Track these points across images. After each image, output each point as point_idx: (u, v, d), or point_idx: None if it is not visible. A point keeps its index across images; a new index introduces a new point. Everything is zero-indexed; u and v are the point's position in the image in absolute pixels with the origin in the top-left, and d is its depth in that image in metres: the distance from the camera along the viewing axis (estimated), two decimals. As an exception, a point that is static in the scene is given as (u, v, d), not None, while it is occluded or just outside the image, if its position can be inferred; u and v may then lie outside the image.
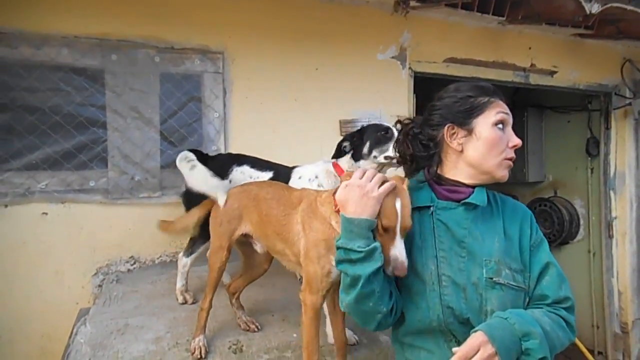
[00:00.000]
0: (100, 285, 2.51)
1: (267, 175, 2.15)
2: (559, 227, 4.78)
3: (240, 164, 2.22)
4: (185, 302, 2.11)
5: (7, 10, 2.37)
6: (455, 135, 1.29)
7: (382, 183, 1.20)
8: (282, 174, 2.13)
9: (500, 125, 1.25)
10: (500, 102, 1.28)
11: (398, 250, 1.17)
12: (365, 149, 1.99)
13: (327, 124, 3.14)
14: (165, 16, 2.69)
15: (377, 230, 1.18)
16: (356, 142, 2.02)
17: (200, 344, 1.74)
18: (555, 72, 3.97)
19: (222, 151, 2.79)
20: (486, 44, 3.64)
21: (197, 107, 2.78)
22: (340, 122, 3.17)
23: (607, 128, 4.42)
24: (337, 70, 3.15)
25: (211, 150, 2.77)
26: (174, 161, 2.71)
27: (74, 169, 2.50)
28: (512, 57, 3.78)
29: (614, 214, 4.39)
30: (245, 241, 1.81)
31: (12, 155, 2.38)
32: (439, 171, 1.34)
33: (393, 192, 1.20)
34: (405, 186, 1.25)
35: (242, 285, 1.99)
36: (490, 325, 1.10)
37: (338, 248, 1.19)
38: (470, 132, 1.27)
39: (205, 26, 2.80)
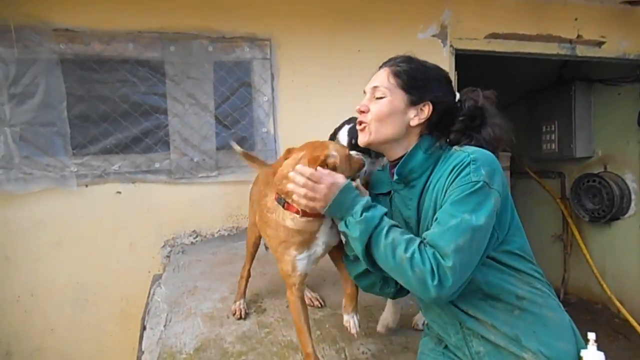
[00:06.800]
0: (168, 256, 2.79)
1: None
2: (608, 202, 4.64)
3: None
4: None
5: (80, 10, 2.63)
6: None
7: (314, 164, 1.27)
8: None
9: (368, 95, 1.39)
10: (380, 72, 1.41)
11: None
12: None
13: (370, 104, 3.24)
14: (216, 8, 2.88)
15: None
16: None
17: (241, 306, 1.97)
18: (603, 43, 3.85)
19: (272, 132, 2.98)
20: (529, 17, 3.58)
21: (248, 92, 2.97)
22: (382, 101, 3.26)
23: (660, 99, 4.23)
24: (379, 51, 3.16)
25: (262, 132, 2.97)
26: (228, 143, 2.95)
27: (141, 152, 2.76)
28: (557, 29, 3.69)
29: (667, 188, 4.24)
30: None
31: (89, 141, 2.67)
32: None
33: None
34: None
35: None
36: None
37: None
38: None
39: (253, 15, 2.96)
